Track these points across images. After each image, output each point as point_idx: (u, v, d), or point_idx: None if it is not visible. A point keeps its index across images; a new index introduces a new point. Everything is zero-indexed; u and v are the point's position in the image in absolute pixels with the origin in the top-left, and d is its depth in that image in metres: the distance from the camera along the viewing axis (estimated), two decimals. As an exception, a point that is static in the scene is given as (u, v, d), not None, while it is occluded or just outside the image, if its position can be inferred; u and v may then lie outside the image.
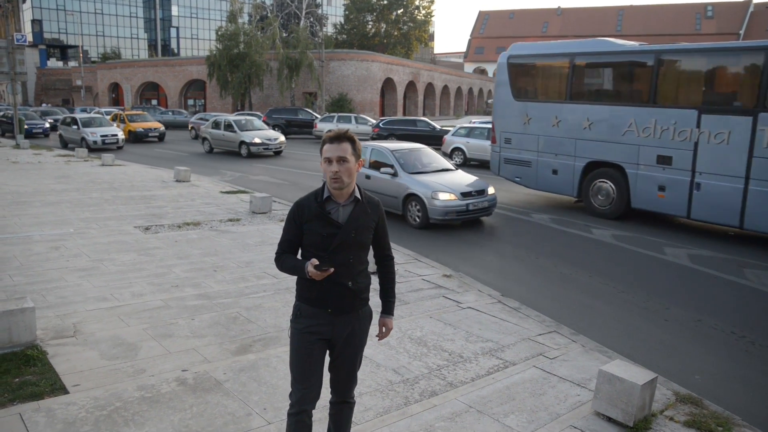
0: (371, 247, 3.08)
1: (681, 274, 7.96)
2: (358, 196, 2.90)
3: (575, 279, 7.65)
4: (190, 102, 55.20)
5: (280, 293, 6.41)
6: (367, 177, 11.07)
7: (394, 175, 10.67)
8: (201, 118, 32.36)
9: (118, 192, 12.92)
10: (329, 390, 3.15)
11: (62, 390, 4.16)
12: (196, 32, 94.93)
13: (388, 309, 3.22)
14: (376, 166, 11.14)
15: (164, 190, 13.36)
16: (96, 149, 23.24)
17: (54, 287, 6.37)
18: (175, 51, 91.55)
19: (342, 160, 2.78)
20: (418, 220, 10.31)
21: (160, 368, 4.57)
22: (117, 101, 56.52)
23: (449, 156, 19.80)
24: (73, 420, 3.78)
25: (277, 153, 22.89)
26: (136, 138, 28.63)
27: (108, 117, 30.39)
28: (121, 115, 30.44)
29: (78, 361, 4.63)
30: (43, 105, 55.01)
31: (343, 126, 29.88)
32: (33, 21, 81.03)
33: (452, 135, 21.12)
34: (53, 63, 77.40)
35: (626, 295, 7.07)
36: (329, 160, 2.79)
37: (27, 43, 29.86)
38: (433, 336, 5.43)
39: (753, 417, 4.32)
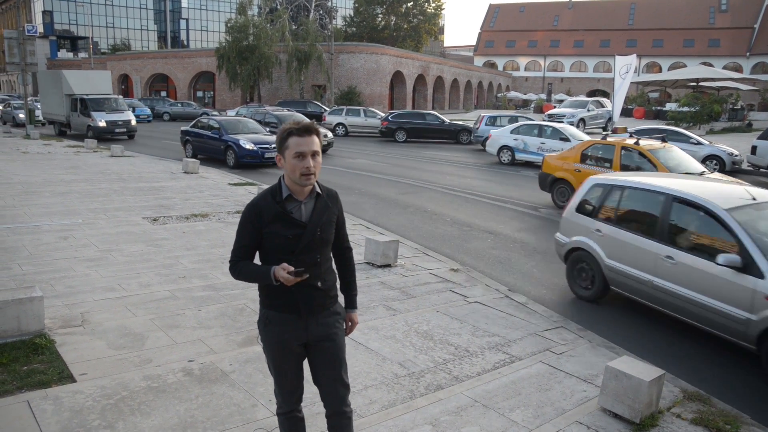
0: None
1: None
2: (318, 191, 2.73)
3: (583, 274, 7.59)
4: (199, 94, 55.29)
5: (287, 285, 6.41)
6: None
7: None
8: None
9: (127, 183, 12.97)
10: (322, 404, 2.93)
11: (69, 378, 4.19)
12: (205, 24, 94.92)
13: (351, 303, 3.04)
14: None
15: (172, 182, 13.40)
16: None
17: (62, 277, 6.40)
18: (185, 43, 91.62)
19: (315, 154, 2.60)
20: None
21: (167, 358, 4.59)
22: (126, 93, 56.70)
23: None
24: (80, 408, 3.81)
25: None
26: None
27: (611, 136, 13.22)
28: (625, 143, 11.24)
29: (85, 351, 4.66)
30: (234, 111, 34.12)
31: (353, 119, 29.83)
32: (44, 12, 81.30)
33: None
34: (63, 54, 77.63)
35: (634, 291, 7.00)
36: (301, 155, 2.56)
37: (38, 34, 29.84)
38: (440, 330, 5.42)
39: (761, 415, 4.28)
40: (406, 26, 73.58)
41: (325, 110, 33.37)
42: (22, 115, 30.16)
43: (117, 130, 24.08)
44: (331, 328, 2.83)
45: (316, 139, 2.61)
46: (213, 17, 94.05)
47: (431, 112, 30.62)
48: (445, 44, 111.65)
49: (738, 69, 64.91)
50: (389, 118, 27.93)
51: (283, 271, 2.55)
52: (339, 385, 2.87)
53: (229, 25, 44.33)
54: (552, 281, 7.31)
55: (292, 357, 2.81)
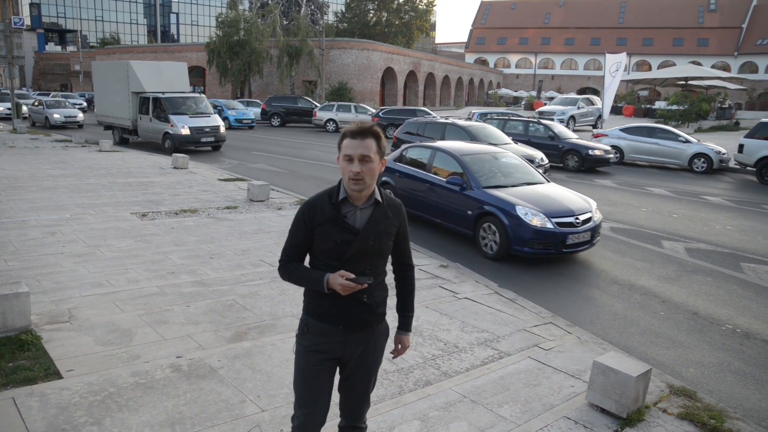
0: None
1: (678, 267, 7.96)
2: (378, 198, 2.55)
3: (571, 271, 7.65)
4: (190, 89, 54.94)
5: (276, 281, 6.39)
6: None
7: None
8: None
9: (116, 178, 12.87)
10: (338, 413, 2.88)
11: (56, 375, 4.15)
12: (196, 18, 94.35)
13: (406, 325, 2.88)
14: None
15: (162, 177, 13.31)
16: None
17: (49, 272, 6.35)
18: (175, 37, 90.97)
19: (365, 159, 2.41)
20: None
21: (155, 354, 4.56)
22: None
23: None
24: (66, 405, 3.78)
25: None
26: None
27: None
28: None
29: (72, 347, 4.62)
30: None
31: (344, 115, 29.78)
32: (31, 4, 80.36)
33: None
34: (51, 47, 76.90)
35: (622, 287, 7.07)
36: (350, 158, 2.42)
37: (25, 27, 29.17)
38: (429, 326, 5.43)
39: (746, 410, 4.34)
40: (397, 22, 73.51)
41: (316, 106, 33.30)
42: (57, 116, 27.50)
43: (203, 140, 18.98)
44: (369, 347, 2.67)
45: (369, 142, 2.43)
46: (203, 11, 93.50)
47: (422, 108, 30.63)
48: (437, 41, 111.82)
49: (726, 68, 65.47)
50: (380, 114, 27.91)
51: (341, 278, 2.38)
52: (363, 402, 2.81)
53: (219, 19, 44.02)
54: (540, 278, 7.34)
55: (321, 372, 2.62)
